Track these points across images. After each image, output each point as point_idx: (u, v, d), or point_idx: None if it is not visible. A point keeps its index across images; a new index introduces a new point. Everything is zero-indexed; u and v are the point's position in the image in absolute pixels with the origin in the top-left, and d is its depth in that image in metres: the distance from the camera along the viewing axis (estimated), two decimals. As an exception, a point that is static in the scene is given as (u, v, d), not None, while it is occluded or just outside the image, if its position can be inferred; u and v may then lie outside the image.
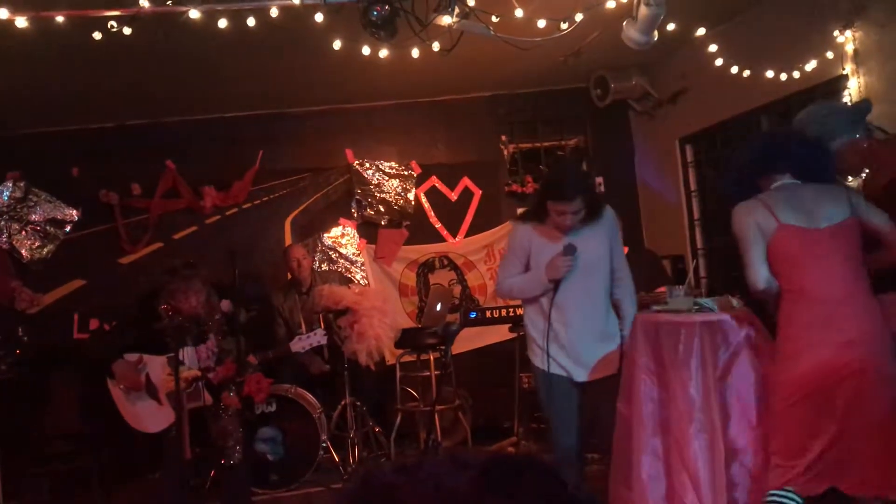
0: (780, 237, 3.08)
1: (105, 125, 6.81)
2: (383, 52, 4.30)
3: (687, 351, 3.12)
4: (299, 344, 4.92)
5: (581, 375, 3.77)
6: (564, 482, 0.98)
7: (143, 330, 4.28)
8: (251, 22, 3.94)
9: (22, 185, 6.57)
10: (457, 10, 3.68)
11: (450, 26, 3.79)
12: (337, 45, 4.30)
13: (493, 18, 3.96)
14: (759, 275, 3.12)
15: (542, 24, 4.11)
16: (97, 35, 3.99)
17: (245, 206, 6.99)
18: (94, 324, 6.60)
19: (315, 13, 3.87)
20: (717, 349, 3.12)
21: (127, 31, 3.86)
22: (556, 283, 3.69)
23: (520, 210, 7.23)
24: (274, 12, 3.80)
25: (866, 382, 2.94)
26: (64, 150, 6.72)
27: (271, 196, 7.06)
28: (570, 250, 3.65)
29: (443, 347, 6.03)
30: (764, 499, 3.03)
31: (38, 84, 5.60)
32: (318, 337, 4.96)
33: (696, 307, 3.29)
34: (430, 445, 5.16)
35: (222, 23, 3.96)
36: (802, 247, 3.07)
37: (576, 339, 3.75)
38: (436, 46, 4.10)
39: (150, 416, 4.35)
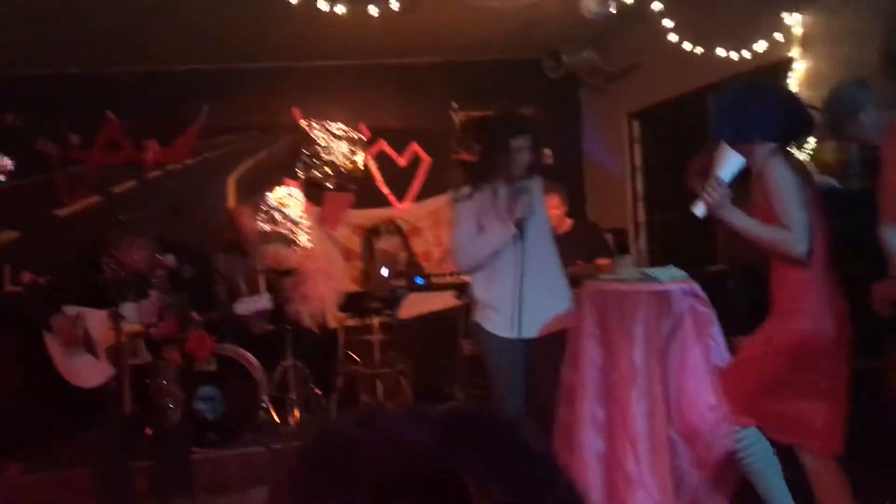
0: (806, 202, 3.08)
1: (44, 72, 6.56)
2: (340, 9, 4.24)
3: (632, 319, 3.18)
4: (244, 307, 4.87)
5: (531, 331, 3.80)
6: (522, 436, 0.99)
7: (84, 283, 4.18)
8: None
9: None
10: (417, -30, 3.64)
11: (409, -15, 3.75)
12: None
13: (454, -20, 3.93)
14: (808, 239, 3.02)
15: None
16: (39, -25, 3.83)
17: (188, 162, 6.85)
18: (26, 277, 6.39)
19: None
20: (661, 318, 3.19)
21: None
22: (520, 231, 3.72)
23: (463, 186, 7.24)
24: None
25: (845, 353, 3.08)
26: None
27: (215, 153, 6.92)
28: (523, 190, 3.73)
29: (388, 312, 6.05)
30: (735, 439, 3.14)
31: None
32: (264, 301, 4.91)
33: (644, 277, 3.35)
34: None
35: (173, -31, 3.84)
36: (815, 213, 3.10)
37: (533, 293, 3.75)
38: (395, 5, 4.05)
39: (88, 371, 4.26)
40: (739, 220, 3.08)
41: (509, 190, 3.79)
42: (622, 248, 6.93)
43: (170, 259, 4.25)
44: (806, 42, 5.07)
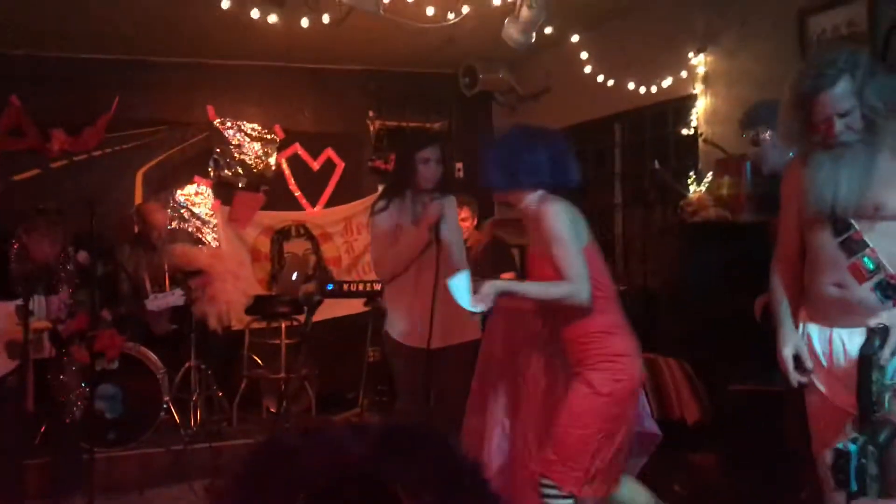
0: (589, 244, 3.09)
1: (-57, 51, 6.29)
2: (272, 18, 4.26)
3: (539, 336, 3.34)
4: (155, 303, 4.80)
5: (439, 341, 3.86)
6: (454, 449, 1.10)
7: None
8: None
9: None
10: (349, -15, 3.72)
11: (340, 1, 3.82)
12: (225, 4, 4.20)
13: (384, -1, 4.03)
14: (588, 285, 2.94)
15: (430, 11, 4.22)
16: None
17: (95, 154, 6.66)
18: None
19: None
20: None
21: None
22: (436, 237, 3.82)
23: (381, 187, 7.34)
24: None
25: None
26: None
27: (124, 146, 6.75)
28: (435, 199, 3.86)
29: (296, 317, 6.07)
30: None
31: None
32: (176, 297, 4.85)
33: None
34: (282, 412, 5.20)
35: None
36: (598, 255, 3.12)
37: (442, 304, 3.83)
38: (326, 19, 4.11)
39: None
40: (520, 289, 3.13)
41: (420, 200, 3.92)
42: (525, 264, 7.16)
43: (83, 255, 4.15)
44: (708, 80, 5.41)
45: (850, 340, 2.61)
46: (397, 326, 4.04)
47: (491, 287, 2.94)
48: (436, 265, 3.81)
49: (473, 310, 2.97)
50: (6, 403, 4.02)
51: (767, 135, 3.60)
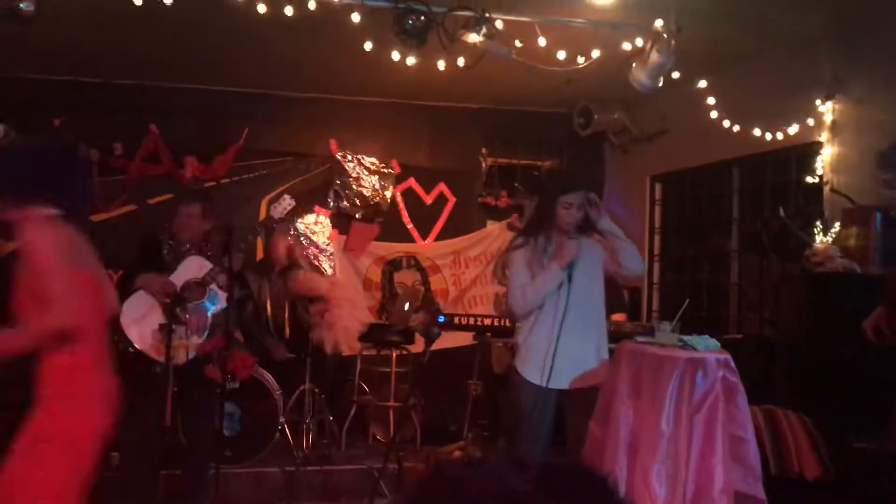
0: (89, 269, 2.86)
1: (94, 80, 6.72)
2: (411, 60, 4.42)
3: (666, 382, 3.32)
4: (275, 210, 4.84)
5: (561, 382, 3.89)
6: (613, 489, 1.13)
7: (148, 266, 4.27)
8: (289, 11, 3.97)
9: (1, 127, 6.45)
10: (484, 30, 3.84)
11: (476, 45, 3.95)
12: (368, 46, 4.38)
13: (517, 43, 4.13)
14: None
15: (562, 55, 4.29)
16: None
17: (224, 181, 7.02)
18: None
19: (351, 12, 3.96)
20: (694, 385, 3.32)
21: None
22: (569, 275, 3.85)
23: (497, 222, 7.46)
24: (311, 5, 3.87)
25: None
26: (48, 100, 6.59)
27: (251, 175, 7.09)
28: (571, 240, 3.89)
29: (405, 346, 6.19)
30: None
31: (29, 30, 5.46)
32: (287, 202, 4.82)
33: (681, 343, 3.50)
34: (395, 441, 5.29)
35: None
36: (91, 292, 2.83)
37: (569, 344, 3.86)
38: (461, 62, 4.25)
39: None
40: None
41: (557, 240, 3.95)
42: (635, 305, 7.09)
43: (222, 279, 4.36)
44: (835, 128, 5.28)
45: None
46: (525, 363, 4.04)
47: None
48: (565, 305, 3.85)
49: None
50: (148, 418, 4.14)
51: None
